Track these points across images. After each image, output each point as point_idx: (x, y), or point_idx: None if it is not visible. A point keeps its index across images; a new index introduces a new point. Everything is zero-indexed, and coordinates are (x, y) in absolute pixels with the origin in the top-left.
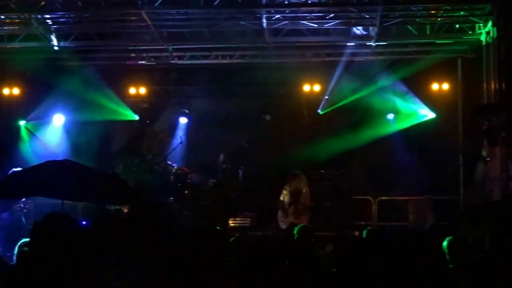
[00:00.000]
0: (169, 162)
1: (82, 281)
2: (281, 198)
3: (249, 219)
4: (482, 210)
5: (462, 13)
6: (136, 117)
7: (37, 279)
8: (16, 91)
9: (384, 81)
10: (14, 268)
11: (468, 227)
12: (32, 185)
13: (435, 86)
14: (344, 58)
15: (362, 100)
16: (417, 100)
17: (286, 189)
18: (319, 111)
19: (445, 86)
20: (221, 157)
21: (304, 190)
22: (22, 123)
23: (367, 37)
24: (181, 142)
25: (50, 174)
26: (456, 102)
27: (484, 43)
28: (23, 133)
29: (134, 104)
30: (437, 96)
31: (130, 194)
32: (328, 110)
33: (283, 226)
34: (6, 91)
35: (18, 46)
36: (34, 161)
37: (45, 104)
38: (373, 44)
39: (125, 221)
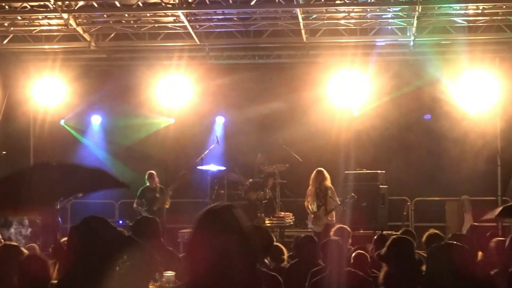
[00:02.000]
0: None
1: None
2: (306, 203)
3: (286, 218)
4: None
5: (500, 12)
6: (172, 120)
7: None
8: (54, 91)
9: (421, 80)
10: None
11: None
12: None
13: (472, 86)
14: (381, 58)
15: (398, 100)
16: (455, 97)
17: (310, 193)
18: (354, 112)
19: (483, 85)
20: (260, 159)
21: (329, 191)
22: (62, 121)
23: (404, 37)
24: (217, 142)
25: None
26: (494, 102)
27: None
28: (72, 131)
29: (170, 105)
30: (475, 96)
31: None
32: (363, 112)
33: (317, 229)
34: (44, 91)
35: (56, 47)
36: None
37: (84, 104)
38: (411, 44)
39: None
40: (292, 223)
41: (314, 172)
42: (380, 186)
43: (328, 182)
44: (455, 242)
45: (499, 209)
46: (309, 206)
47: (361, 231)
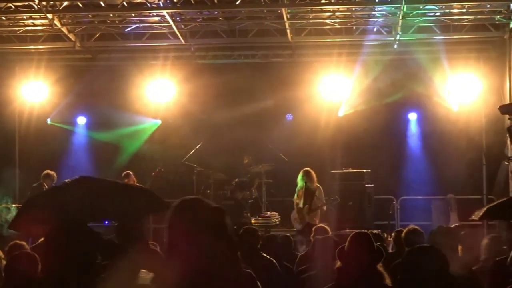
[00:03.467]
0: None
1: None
2: (295, 198)
3: (272, 218)
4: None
5: (485, 11)
6: (159, 122)
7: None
8: (39, 91)
9: (406, 79)
10: None
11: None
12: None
13: (457, 85)
14: (366, 58)
15: (383, 99)
16: (440, 96)
17: (299, 189)
18: (339, 113)
19: (468, 84)
20: (246, 159)
21: (316, 190)
22: (48, 120)
23: (390, 37)
24: (203, 142)
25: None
26: (479, 101)
27: (507, 41)
28: (62, 125)
29: (157, 105)
30: (460, 95)
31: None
32: (349, 112)
33: (298, 226)
34: (30, 91)
35: (41, 47)
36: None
37: (68, 104)
38: (396, 43)
39: None
40: (278, 222)
41: (301, 171)
42: (366, 185)
43: (315, 183)
44: (428, 245)
45: (483, 209)
46: (297, 201)
47: (347, 230)
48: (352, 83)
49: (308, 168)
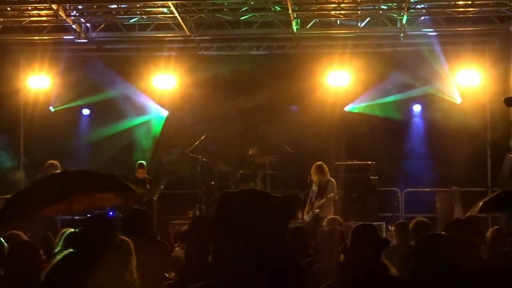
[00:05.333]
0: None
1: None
2: (311, 192)
3: None
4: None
5: (490, 3)
6: (165, 113)
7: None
8: (44, 82)
9: (411, 71)
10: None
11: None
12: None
13: (462, 77)
14: (371, 50)
15: (388, 91)
16: (445, 89)
17: (314, 183)
18: (345, 108)
19: (473, 77)
20: (251, 151)
21: (329, 183)
22: (51, 108)
23: (395, 29)
24: (207, 134)
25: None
26: (483, 93)
27: None
28: (68, 105)
29: (161, 96)
30: (465, 87)
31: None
32: (354, 102)
33: (307, 218)
34: (34, 82)
35: (46, 38)
36: None
37: (73, 95)
38: (401, 36)
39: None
40: None
41: (314, 165)
42: (371, 177)
43: (327, 177)
44: (443, 233)
45: (479, 204)
46: (310, 194)
47: (352, 222)
48: (357, 74)
49: (320, 162)
